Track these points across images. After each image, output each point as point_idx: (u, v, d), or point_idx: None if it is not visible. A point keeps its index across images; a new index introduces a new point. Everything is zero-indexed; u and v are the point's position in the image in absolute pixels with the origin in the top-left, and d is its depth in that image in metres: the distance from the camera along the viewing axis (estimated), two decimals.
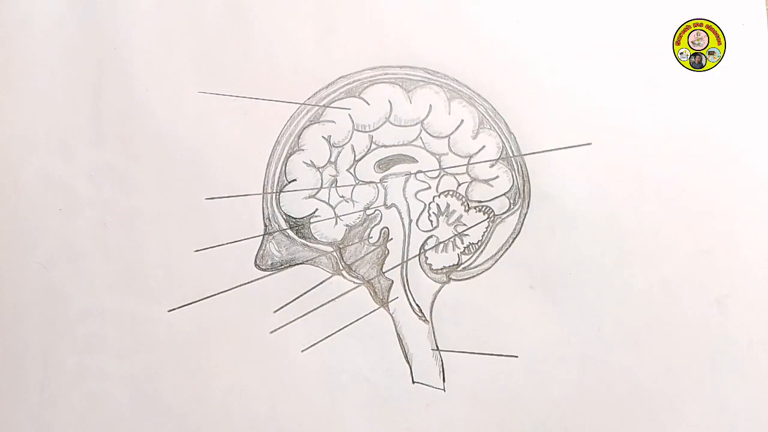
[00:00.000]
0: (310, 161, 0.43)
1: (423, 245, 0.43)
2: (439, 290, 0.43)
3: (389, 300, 0.43)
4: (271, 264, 0.43)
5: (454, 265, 0.43)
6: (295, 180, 0.43)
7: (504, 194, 0.43)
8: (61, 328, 0.43)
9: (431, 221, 0.43)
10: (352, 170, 0.43)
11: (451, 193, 0.43)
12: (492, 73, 0.43)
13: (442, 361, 0.43)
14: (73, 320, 0.41)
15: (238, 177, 0.43)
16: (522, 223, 0.43)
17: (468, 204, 0.43)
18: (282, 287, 0.43)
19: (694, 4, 0.42)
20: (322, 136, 0.43)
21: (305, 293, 0.43)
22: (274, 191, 0.43)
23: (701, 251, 0.42)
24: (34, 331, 0.44)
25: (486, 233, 0.43)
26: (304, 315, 0.43)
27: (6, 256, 0.44)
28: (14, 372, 0.44)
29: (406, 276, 0.43)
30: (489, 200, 0.43)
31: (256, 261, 0.43)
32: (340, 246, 0.43)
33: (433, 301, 0.43)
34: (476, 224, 0.43)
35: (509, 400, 0.43)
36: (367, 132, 0.43)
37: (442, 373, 0.43)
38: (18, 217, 0.44)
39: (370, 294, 0.43)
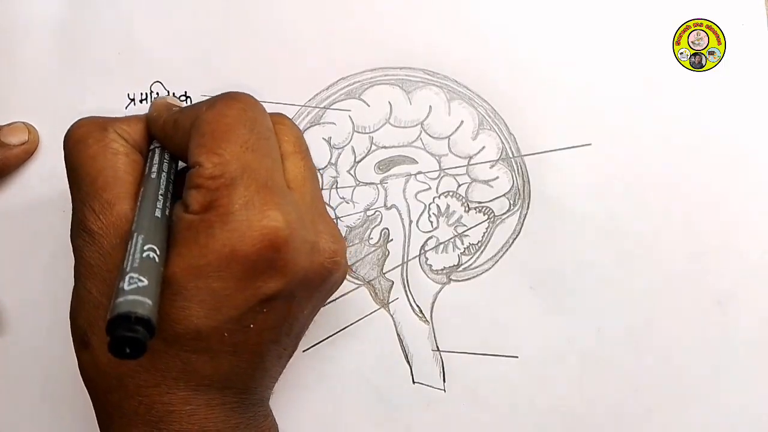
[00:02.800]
0: None
1: (423, 246, 0.43)
2: (440, 291, 0.43)
3: (390, 301, 0.44)
4: None
5: (454, 265, 0.43)
6: None
7: (504, 195, 0.43)
8: (62, 329, 0.43)
9: (431, 222, 0.43)
10: (352, 171, 0.43)
11: (451, 193, 0.43)
12: (492, 73, 0.43)
13: (442, 361, 0.43)
14: None
15: None
16: (522, 224, 0.43)
17: (468, 205, 0.43)
18: None
19: (694, 4, 0.42)
20: (323, 138, 0.43)
21: None
22: None
23: (702, 252, 0.42)
24: (35, 332, 0.44)
25: (486, 234, 0.43)
26: None
27: (8, 257, 0.45)
28: (15, 372, 0.45)
29: (407, 277, 0.43)
30: (489, 201, 0.43)
31: None
32: None
33: (434, 302, 0.43)
34: (476, 225, 0.43)
35: (509, 400, 0.43)
36: (367, 133, 0.43)
37: (442, 374, 0.43)
38: (22, 220, 0.44)
39: (371, 295, 0.44)
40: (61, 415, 0.44)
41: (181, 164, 0.39)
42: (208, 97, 0.37)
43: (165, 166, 0.37)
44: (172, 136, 0.37)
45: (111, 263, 0.34)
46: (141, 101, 0.44)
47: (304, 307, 0.37)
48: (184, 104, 0.42)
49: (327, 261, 0.37)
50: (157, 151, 0.38)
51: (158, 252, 0.33)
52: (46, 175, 0.45)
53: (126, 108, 0.44)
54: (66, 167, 0.37)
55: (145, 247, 0.32)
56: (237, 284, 0.33)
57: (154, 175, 0.36)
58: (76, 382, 0.43)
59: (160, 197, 0.35)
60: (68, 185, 0.37)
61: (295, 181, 0.37)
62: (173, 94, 0.44)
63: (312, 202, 0.37)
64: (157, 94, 0.44)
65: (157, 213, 0.34)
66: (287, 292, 0.35)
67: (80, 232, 0.35)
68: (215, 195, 0.33)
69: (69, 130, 0.37)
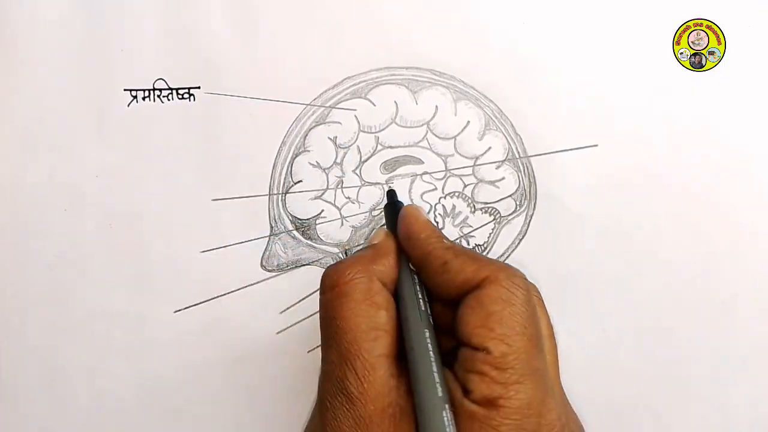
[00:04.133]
0: (316, 162, 0.43)
1: None
2: None
3: None
4: (277, 265, 0.43)
5: None
6: (301, 181, 0.43)
7: (510, 196, 0.43)
8: (67, 329, 0.43)
9: (437, 222, 0.43)
10: (358, 171, 0.43)
11: (457, 194, 0.43)
12: (498, 74, 0.43)
13: None
14: (79, 321, 0.41)
15: (244, 178, 0.43)
16: (528, 225, 0.43)
17: (474, 205, 0.43)
18: (288, 288, 0.43)
19: (694, 4, 0.42)
20: (328, 137, 0.43)
21: (311, 294, 0.43)
22: (281, 192, 0.43)
23: (707, 253, 0.42)
24: (40, 332, 0.44)
25: (492, 235, 0.43)
26: (310, 316, 0.43)
27: (12, 257, 0.44)
28: (20, 372, 0.44)
29: None
30: (495, 202, 0.43)
31: (262, 262, 0.43)
32: (346, 247, 0.43)
33: None
34: (482, 225, 0.43)
35: None
36: (373, 133, 0.43)
37: None
38: (24, 218, 0.44)
39: None
40: (68, 415, 0.44)
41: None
42: (480, 255, 0.36)
43: (422, 301, 0.35)
44: (436, 274, 0.35)
45: None
46: (144, 98, 0.44)
47: None
48: (433, 224, 0.39)
49: None
50: (409, 282, 0.36)
51: (449, 419, 0.32)
52: (48, 173, 0.44)
53: (128, 105, 0.44)
54: (323, 314, 0.35)
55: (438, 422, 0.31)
56: None
57: (419, 319, 0.34)
58: (83, 383, 0.43)
59: (435, 370, 0.33)
60: (320, 330, 0.36)
61: (552, 368, 0.36)
62: (176, 92, 0.44)
63: (562, 394, 0.37)
64: (160, 91, 0.44)
65: (431, 365, 0.33)
66: None
67: (338, 393, 0.34)
68: (501, 391, 0.32)
69: (331, 279, 0.35)
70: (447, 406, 0.32)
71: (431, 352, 0.34)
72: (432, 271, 0.36)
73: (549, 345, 0.36)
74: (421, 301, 0.35)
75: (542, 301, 0.37)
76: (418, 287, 0.36)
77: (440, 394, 0.32)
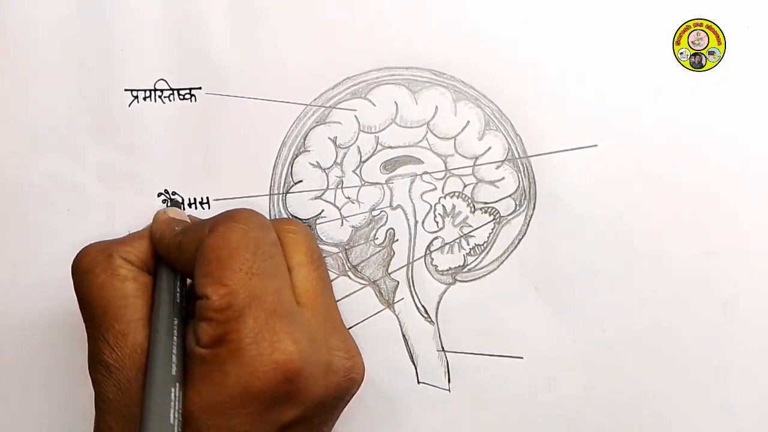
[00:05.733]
0: (317, 162, 0.43)
1: (429, 246, 0.43)
2: (445, 291, 0.43)
3: (395, 301, 0.44)
4: None
5: (459, 266, 0.43)
6: (301, 181, 0.43)
7: (510, 196, 0.43)
8: (68, 328, 0.43)
9: (437, 222, 0.43)
10: (358, 171, 0.43)
11: (456, 194, 0.43)
12: (498, 74, 0.43)
13: (447, 361, 0.43)
14: (79, 321, 0.41)
15: (245, 178, 0.43)
16: (528, 225, 0.43)
17: (474, 205, 0.43)
18: None
19: (694, 4, 0.42)
20: (329, 137, 0.43)
21: None
22: (281, 192, 0.43)
23: (707, 253, 0.42)
24: (40, 331, 0.44)
25: (492, 235, 0.43)
26: None
27: (13, 256, 0.44)
28: (20, 373, 0.44)
29: (412, 277, 0.43)
30: (495, 201, 0.43)
31: None
32: (346, 247, 0.43)
33: (439, 302, 0.43)
34: (482, 225, 0.43)
35: (514, 401, 0.43)
36: (373, 133, 0.43)
37: (447, 374, 0.43)
38: (26, 218, 0.44)
39: (376, 295, 0.44)
40: (68, 415, 0.44)
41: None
42: (209, 218, 0.38)
43: (173, 285, 0.37)
44: (178, 259, 0.37)
45: (129, 398, 0.34)
46: (144, 99, 0.44)
47: (323, 425, 0.38)
48: (186, 217, 0.41)
49: (342, 380, 0.37)
50: (164, 269, 0.38)
51: (175, 395, 0.33)
52: (49, 173, 0.44)
53: (129, 105, 0.44)
54: (77, 298, 0.37)
55: (164, 396, 0.33)
56: (254, 419, 0.33)
57: (164, 301, 0.36)
58: (79, 381, 0.43)
59: (173, 326, 0.36)
60: (81, 315, 0.37)
61: (306, 295, 0.37)
62: (177, 92, 0.44)
63: (325, 317, 0.38)
64: (161, 92, 0.44)
65: (171, 344, 0.35)
66: (305, 417, 0.35)
67: (96, 365, 0.36)
68: (225, 328, 0.33)
69: (75, 261, 0.38)
70: (177, 384, 0.33)
71: (174, 337, 0.35)
72: (176, 260, 0.37)
73: (307, 271, 0.38)
74: (177, 294, 0.37)
75: (301, 233, 0.39)
76: (176, 281, 0.38)
77: (173, 372, 0.34)
